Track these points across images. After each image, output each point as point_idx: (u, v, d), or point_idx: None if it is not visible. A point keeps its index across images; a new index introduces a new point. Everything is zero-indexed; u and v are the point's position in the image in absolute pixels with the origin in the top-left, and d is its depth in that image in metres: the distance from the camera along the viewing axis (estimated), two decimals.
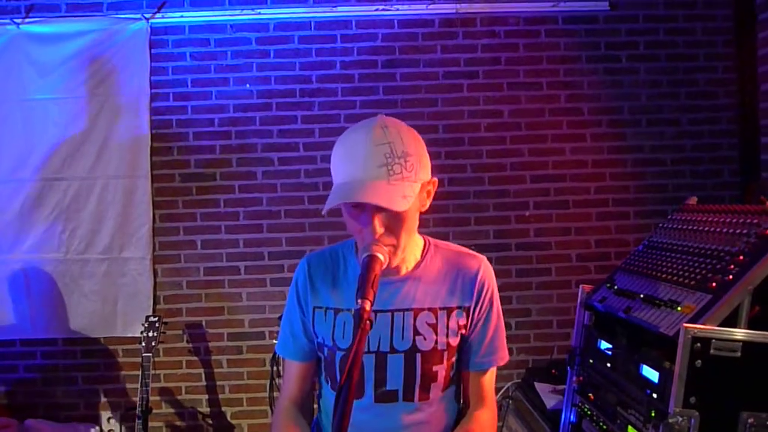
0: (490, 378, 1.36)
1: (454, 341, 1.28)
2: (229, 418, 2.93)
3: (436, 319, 1.27)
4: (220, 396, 2.92)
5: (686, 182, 2.88)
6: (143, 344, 2.61)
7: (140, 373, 2.58)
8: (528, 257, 2.92)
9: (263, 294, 2.90)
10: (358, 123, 1.19)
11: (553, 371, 2.68)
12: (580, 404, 2.01)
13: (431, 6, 2.89)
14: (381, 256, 1.07)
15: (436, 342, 1.26)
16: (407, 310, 1.26)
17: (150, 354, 2.61)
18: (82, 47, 2.87)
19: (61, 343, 2.92)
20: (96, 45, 2.87)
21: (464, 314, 1.28)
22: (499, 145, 2.90)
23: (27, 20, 2.89)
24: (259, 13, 2.87)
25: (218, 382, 2.92)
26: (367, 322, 0.94)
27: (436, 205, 3.00)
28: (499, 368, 2.92)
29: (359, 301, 0.96)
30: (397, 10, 2.89)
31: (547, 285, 2.92)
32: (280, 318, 2.57)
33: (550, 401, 2.41)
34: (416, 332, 1.26)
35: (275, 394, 2.75)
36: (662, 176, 2.90)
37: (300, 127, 2.90)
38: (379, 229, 1.12)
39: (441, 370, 1.28)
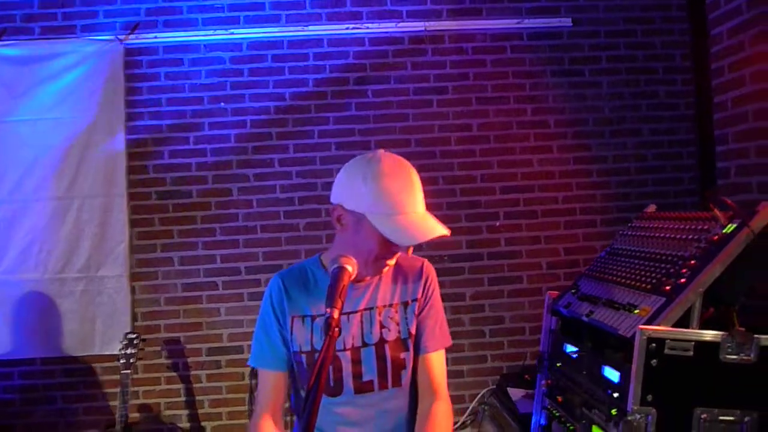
0: (439, 366, 1.47)
1: (413, 330, 1.45)
2: None
3: (397, 312, 1.43)
4: (200, 411, 2.94)
5: (649, 190, 3.00)
6: (122, 361, 2.63)
7: (119, 390, 2.59)
8: (500, 266, 3.01)
9: (241, 308, 2.93)
10: (382, 159, 1.31)
11: (526, 376, 2.76)
12: (549, 407, 2.08)
13: (400, 24, 2.98)
14: (350, 268, 1.15)
15: (399, 332, 1.43)
16: (372, 308, 1.42)
17: (129, 371, 2.63)
18: (56, 69, 2.90)
19: (40, 362, 2.91)
20: (70, 67, 2.91)
21: (417, 305, 1.46)
22: (469, 157, 3.00)
23: (0, 43, 2.91)
24: (232, 33, 2.94)
25: (197, 397, 2.94)
26: (336, 329, 1.02)
27: None
28: (473, 375, 2.99)
29: (328, 310, 1.03)
30: (368, 28, 2.97)
31: (518, 293, 3.01)
32: None
33: (522, 406, 2.48)
34: (382, 326, 1.42)
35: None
36: (626, 185, 3.01)
37: (275, 143, 2.96)
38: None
39: (408, 358, 1.43)
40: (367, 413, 1.41)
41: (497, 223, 2.99)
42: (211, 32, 2.93)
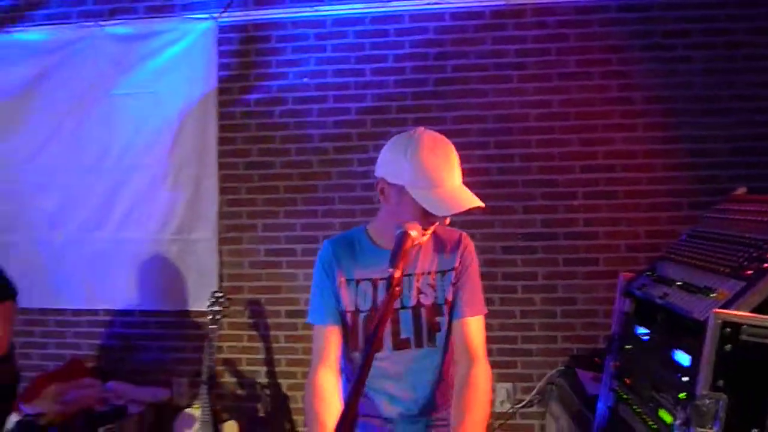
0: (477, 330, 1.53)
1: (450, 297, 1.55)
2: (284, 390, 3.14)
3: (434, 279, 1.54)
4: (277, 369, 3.14)
5: (741, 173, 2.81)
6: (210, 317, 2.86)
7: (206, 343, 2.83)
8: (575, 247, 2.95)
9: None
10: (422, 136, 1.41)
11: (596, 359, 2.71)
12: (616, 389, 2.06)
13: None
14: (413, 233, 1.22)
15: (435, 298, 1.54)
16: (411, 275, 1.53)
17: (216, 326, 2.85)
18: (157, 46, 3.14)
19: (138, 314, 3.22)
20: (169, 44, 3.13)
21: (453, 273, 1.55)
22: (548, 134, 2.94)
23: (109, 22, 3.18)
24: (317, 10, 3.04)
25: (275, 356, 3.14)
26: (397, 288, 1.10)
27: (483, 194, 3.08)
28: (543, 354, 2.98)
29: (390, 270, 1.10)
30: (449, 3, 2.97)
31: (594, 275, 2.94)
32: None
33: (591, 388, 2.46)
34: (419, 291, 1.52)
35: None
36: (715, 167, 2.84)
37: (354, 118, 3.04)
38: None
39: (442, 322, 1.54)
40: (403, 368, 1.54)
41: (575, 203, 2.93)
42: (297, 9, 3.04)
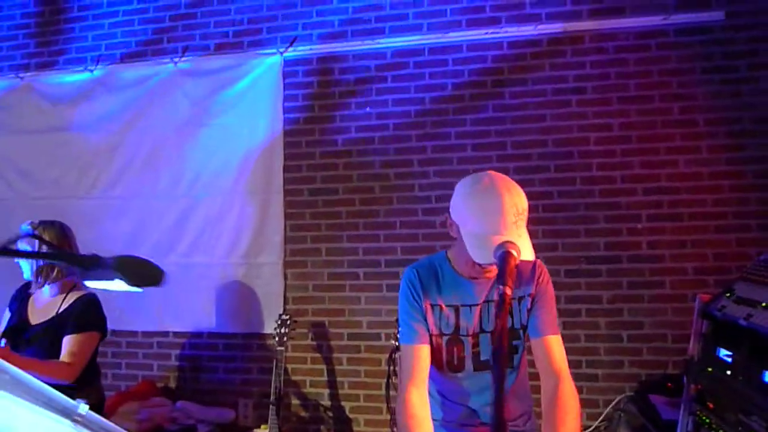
0: (558, 349, 1.56)
1: (525, 322, 1.61)
2: (347, 412, 3.17)
3: (512, 306, 1.57)
4: (340, 391, 3.19)
5: None
6: (276, 339, 2.94)
7: (273, 365, 2.90)
8: (640, 270, 2.92)
9: (380, 299, 3.14)
10: (482, 180, 1.45)
11: (669, 384, 2.66)
12: (698, 413, 2.02)
13: (539, 26, 3.03)
14: (514, 252, 1.26)
15: (512, 323, 1.60)
16: (490, 301, 1.59)
17: (283, 348, 2.93)
18: (226, 80, 3.32)
19: (206, 336, 3.34)
20: (238, 77, 3.31)
21: (530, 299, 1.60)
22: (610, 158, 2.95)
23: (183, 59, 3.39)
24: (378, 43, 3.16)
25: (338, 378, 3.19)
26: (508, 304, 1.14)
27: (545, 218, 3.11)
28: (609, 380, 2.94)
29: (501, 287, 1.14)
30: (506, 32, 3.05)
31: (660, 298, 2.90)
32: (396, 321, 2.79)
33: (664, 413, 2.41)
34: (496, 317, 1.49)
35: (392, 392, 2.96)
36: None
37: (414, 145, 3.13)
38: None
39: (519, 345, 1.61)
40: (482, 386, 1.62)
41: (639, 225, 2.91)
42: (359, 42, 3.18)
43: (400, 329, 1.64)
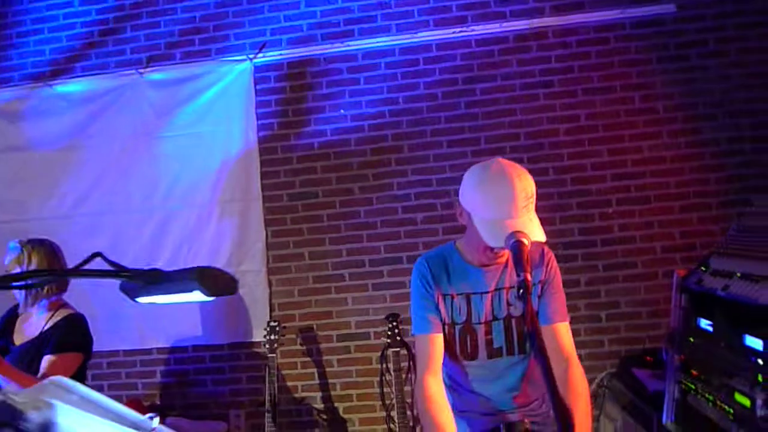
0: (567, 335, 1.63)
1: (536, 308, 1.63)
2: (341, 413, 3.20)
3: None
4: (333, 393, 3.20)
5: (766, 171, 2.96)
6: (267, 346, 2.93)
7: (266, 372, 2.89)
8: (613, 252, 3.07)
9: (366, 298, 3.17)
10: (491, 167, 1.49)
11: (648, 358, 2.81)
12: (684, 381, 2.15)
13: (505, 24, 3.13)
14: (526, 241, 1.32)
15: (525, 310, 1.57)
16: (501, 289, 1.64)
17: (274, 355, 2.92)
18: (196, 89, 3.28)
19: (191, 349, 3.29)
20: (207, 86, 3.27)
21: (539, 286, 1.64)
22: (579, 147, 3.09)
23: (148, 69, 3.32)
24: (348, 45, 3.19)
25: (330, 380, 3.20)
26: (530, 289, 1.19)
27: None
28: (591, 359, 3.06)
29: (522, 274, 1.20)
30: (473, 30, 3.14)
31: (633, 277, 3.05)
32: (387, 318, 2.84)
33: (651, 385, 2.55)
34: (508, 304, 1.64)
35: (386, 389, 3.00)
36: (742, 166, 2.99)
37: (390, 144, 3.18)
38: None
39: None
40: (498, 373, 1.67)
41: (610, 210, 3.06)
42: (329, 46, 3.20)
43: (413, 320, 1.68)
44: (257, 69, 3.25)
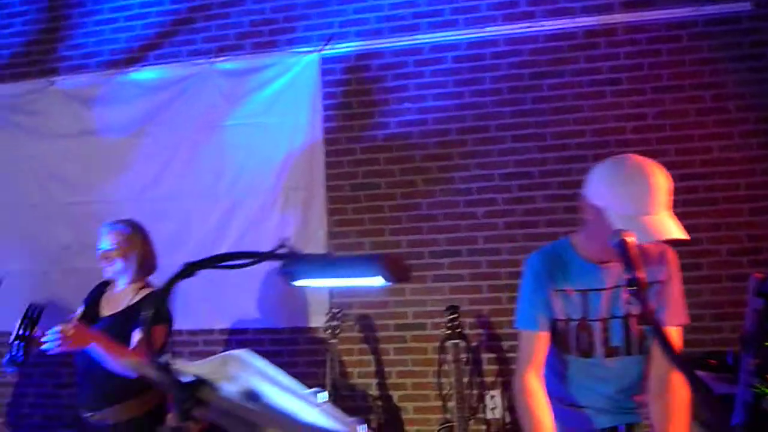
0: (676, 338, 1.61)
1: (654, 307, 1.58)
2: (396, 401, 3.26)
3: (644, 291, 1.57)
4: (388, 381, 3.26)
5: None
6: (329, 332, 3.01)
7: (327, 358, 2.97)
8: (678, 253, 3.01)
9: (425, 289, 3.21)
10: (626, 163, 1.52)
11: (712, 361, 2.78)
12: (757, 385, 2.13)
13: (574, 20, 3.11)
14: (630, 238, 1.34)
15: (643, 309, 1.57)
16: (619, 287, 1.60)
17: (335, 341, 3.00)
18: (264, 79, 3.36)
19: (252, 332, 3.39)
20: (275, 76, 3.35)
21: (659, 285, 1.62)
22: (646, 146, 3.05)
23: (218, 59, 3.42)
24: (415, 39, 3.22)
25: (386, 368, 3.26)
26: (645, 288, 1.20)
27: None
28: None
29: (634, 272, 1.22)
30: (542, 26, 3.13)
31: (698, 279, 3.01)
32: (446, 309, 2.87)
33: (714, 388, 2.53)
34: (628, 302, 1.61)
35: (443, 379, 3.06)
36: None
37: (454, 138, 3.20)
38: None
39: (648, 330, 1.61)
40: (613, 373, 1.65)
41: (677, 211, 3.01)
42: (396, 39, 3.24)
43: (519, 314, 1.69)
44: (324, 61, 3.31)
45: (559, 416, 1.58)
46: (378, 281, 0.90)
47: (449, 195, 3.21)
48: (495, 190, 3.16)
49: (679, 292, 1.63)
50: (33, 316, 2.15)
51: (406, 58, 3.25)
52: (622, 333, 1.62)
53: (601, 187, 1.51)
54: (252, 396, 0.85)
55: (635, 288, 1.19)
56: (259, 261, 0.94)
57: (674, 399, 1.52)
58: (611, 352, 1.63)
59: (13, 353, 2.11)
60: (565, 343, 1.66)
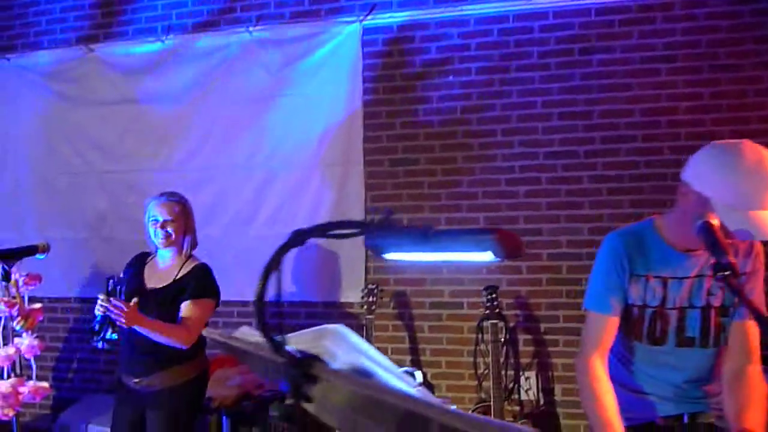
0: (755, 333, 1.54)
1: (736, 299, 1.51)
2: (429, 378, 3.25)
3: (728, 281, 1.46)
4: (422, 358, 3.25)
5: None
6: (365, 308, 3.01)
7: (363, 333, 2.96)
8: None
9: (462, 268, 3.16)
10: (743, 151, 1.35)
11: None
12: None
13: None
14: (715, 222, 1.27)
15: (724, 300, 1.54)
16: (702, 276, 1.53)
17: (372, 317, 3.00)
18: (304, 49, 3.29)
19: (287, 305, 3.40)
20: (315, 46, 3.28)
21: (744, 278, 1.51)
22: (699, 127, 2.93)
23: (257, 28, 3.35)
24: (461, 10, 3.12)
25: (420, 345, 3.25)
26: (737, 273, 1.15)
27: (630, 187, 3.07)
28: None
29: (726, 256, 1.16)
30: None
31: None
32: (485, 289, 2.83)
33: None
34: (709, 293, 1.53)
35: (480, 359, 3.03)
36: None
37: (498, 114, 3.12)
38: None
39: (726, 323, 1.55)
40: (683, 363, 1.59)
41: None
42: (441, 9, 3.13)
43: (591, 295, 1.62)
44: (366, 31, 3.22)
45: (622, 401, 1.53)
46: (486, 256, 0.85)
47: (490, 173, 3.13)
48: (538, 168, 3.07)
49: (761, 285, 1.55)
50: (114, 290, 2.18)
51: (450, 29, 3.15)
52: (699, 324, 1.54)
53: (709, 174, 1.37)
54: (362, 372, 0.82)
55: (726, 273, 1.13)
56: (363, 232, 0.90)
57: (752, 392, 1.46)
58: (685, 342, 1.56)
59: (106, 334, 2.17)
60: (637, 329, 1.59)
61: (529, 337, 3.13)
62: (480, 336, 3.02)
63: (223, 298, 3.44)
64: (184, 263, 2.41)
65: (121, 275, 2.46)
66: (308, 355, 0.86)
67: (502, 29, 3.10)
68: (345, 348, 0.88)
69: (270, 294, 3.13)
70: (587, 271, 1.68)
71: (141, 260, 2.51)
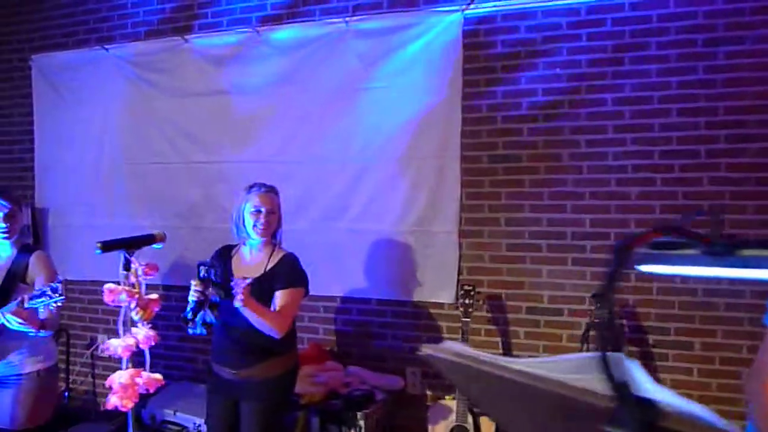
0: None
1: None
2: None
3: None
4: None
5: None
6: (461, 310, 2.88)
7: (460, 336, 2.84)
8: None
9: (564, 272, 2.99)
10: None
11: None
12: None
13: None
14: None
15: None
16: None
17: (468, 319, 2.87)
18: (402, 40, 3.18)
19: (375, 302, 3.31)
20: (414, 37, 3.16)
21: None
22: None
23: (354, 18, 3.27)
24: None
25: (514, 352, 3.09)
26: None
27: (756, 191, 2.79)
28: None
29: None
30: None
31: None
32: (593, 296, 2.63)
33: None
34: None
35: None
36: None
37: (609, 109, 2.91)
38: None
39: None
40: None
41: None
42: None
43: None
44: (467, 21, 3.08)
45: None
46: None
47: (599, 172, 2.93)
48: (653, 169, 2.85)
49: None
50: (208, 277, 2.16)
51: (559, 19, 2.97)
52: None
53: None
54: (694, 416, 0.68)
55: None
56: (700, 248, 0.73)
57: None
58: None
59: (205, 318, 2.16)
60: None
61: (635, 349, 2.91)
62: (585, 346, 2.83)
63: (315, 293, 3.41)
64: (272, 253, 2.39)
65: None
66: (646, 399, 0.71)
67: (617, 18, 2.89)
68: (636, 382, 0.73)
69: (357, 290, 3.05)
70: None
71: (226, 253, 2.51)
